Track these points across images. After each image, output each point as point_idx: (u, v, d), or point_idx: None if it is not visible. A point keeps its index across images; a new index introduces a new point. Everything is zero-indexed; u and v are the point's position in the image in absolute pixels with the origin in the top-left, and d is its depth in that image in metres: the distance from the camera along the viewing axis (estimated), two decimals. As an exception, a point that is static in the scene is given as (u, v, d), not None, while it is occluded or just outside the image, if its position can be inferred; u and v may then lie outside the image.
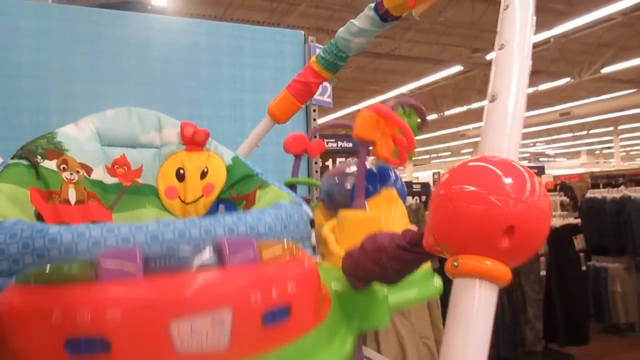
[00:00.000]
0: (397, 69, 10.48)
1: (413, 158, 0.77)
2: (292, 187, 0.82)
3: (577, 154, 22.08)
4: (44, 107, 1.32)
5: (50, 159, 0.69)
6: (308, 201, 0.84)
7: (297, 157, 0.97)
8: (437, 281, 0.74)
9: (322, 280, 0.49)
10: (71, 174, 0.70)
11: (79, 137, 0.75)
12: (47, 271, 0.37)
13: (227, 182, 0.77)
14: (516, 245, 0.32)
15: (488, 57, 9.06)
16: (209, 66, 1.54)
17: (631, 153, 23.07)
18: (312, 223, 0.59)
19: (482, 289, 0.33)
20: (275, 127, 1.02)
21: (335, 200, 0.78)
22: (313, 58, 0.91)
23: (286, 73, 0.99)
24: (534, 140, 19.36)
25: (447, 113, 13.41)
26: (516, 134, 0.35)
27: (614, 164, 16.94)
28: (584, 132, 17.38)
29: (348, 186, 0.75)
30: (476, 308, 0.33)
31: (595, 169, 13.17)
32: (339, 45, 0.88)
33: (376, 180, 0.78)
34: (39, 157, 0.68)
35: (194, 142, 0.81)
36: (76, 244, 0.42)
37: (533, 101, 12.59)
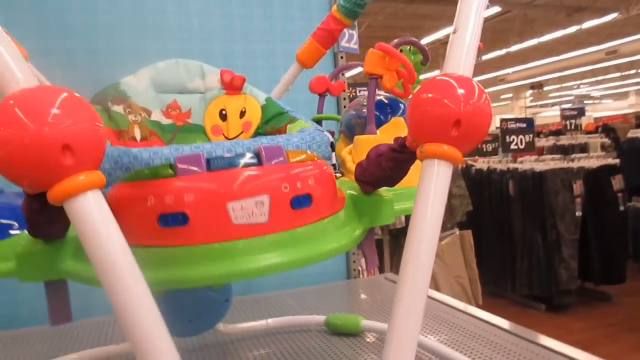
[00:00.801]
0: (431, 14, 10.13)
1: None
2: (318, 122, 0.95)
3: (625, 95, 21.07)
4: (96, 64, 1.45)
5: (118, 105, 0.82)
6: (332, 133, 0.97)
7: (321, 96, 1.08)
8: None
9: (339, 187, 0.63)
10: (135, 116, 0.84)
11: (137, 86, 0.88)
12: (141, 172, 0.52)
13: (262, 119, 0.90)
14: (463, 135, 0.45)
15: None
16: (242, 19, 1.64)
17: (685, 92, 21.85)
18: (332, 146, 0.72)
19: (440, 166, 0.47)
20: (305, 76, 1.13)
21: (354, 130, 0.89)
22: (334, 6, 1.00)
23: (314, 23, 1.07)
24: (578, 82, 18.51)
25: (484, 58, 12.97)
26: (471, 58, 0.48)
27: (665, 104, 16.15)
28: (633, 72, 16.51)
29: (364, 117, 0.87)
30: (435, 179, 0.46)
31: (644, 110, 12.62)
32: (357, -7, 0.97)
33: (387, 111, 0.88)
34: (109, 102, 0.81)
35: (232, 86, 0.94)
36: (152, 159, 0.57)
37: (576, 40, 11.93)
